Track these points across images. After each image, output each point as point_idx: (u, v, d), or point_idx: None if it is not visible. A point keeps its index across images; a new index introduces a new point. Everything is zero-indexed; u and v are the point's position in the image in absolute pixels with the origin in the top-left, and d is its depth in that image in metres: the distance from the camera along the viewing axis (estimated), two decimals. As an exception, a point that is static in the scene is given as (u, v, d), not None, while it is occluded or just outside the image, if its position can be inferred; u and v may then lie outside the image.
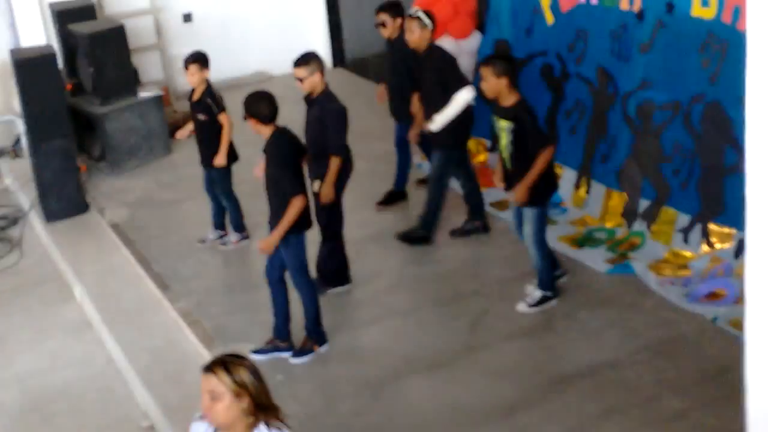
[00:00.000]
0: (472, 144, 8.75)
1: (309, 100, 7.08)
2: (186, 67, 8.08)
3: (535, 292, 6.95)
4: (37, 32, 11.25)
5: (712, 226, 7.09)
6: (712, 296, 6.74)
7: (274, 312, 6.67)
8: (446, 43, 8.84)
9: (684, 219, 7.30)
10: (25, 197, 10.15)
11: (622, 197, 7.87)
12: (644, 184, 7.67)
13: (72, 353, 7.51)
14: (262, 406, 3.71)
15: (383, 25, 8.48)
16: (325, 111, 6.97)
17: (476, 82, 7.77)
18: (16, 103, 10.46)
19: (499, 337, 6.68)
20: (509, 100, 6.70)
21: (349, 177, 7.23)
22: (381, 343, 6.77)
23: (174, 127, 10.46)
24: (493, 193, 8.46)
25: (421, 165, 9.29)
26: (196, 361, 6.48)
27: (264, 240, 6.51)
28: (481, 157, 9.26)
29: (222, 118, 8.04)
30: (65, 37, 10.81)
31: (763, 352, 3.12)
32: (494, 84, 6.67)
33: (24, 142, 10.66)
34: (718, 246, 7.03)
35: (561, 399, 5.93)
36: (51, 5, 11.22)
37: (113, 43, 10.34)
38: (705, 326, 6.48)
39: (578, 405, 5.85)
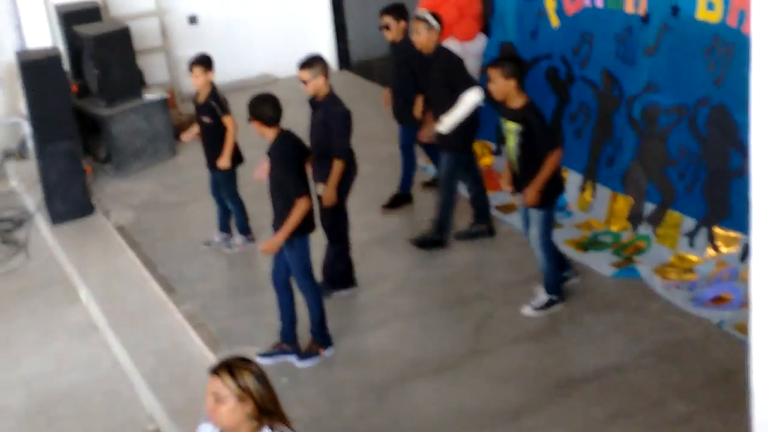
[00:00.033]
0: (477, 147, 8.75)
1: (314, 103, 7.08)
2: (190, 70, 8.09)
3: (540, 296, 6.94)
4: (43, 34, 11.27)
5: (718, 230, 7.08)
6: (718, 300, 6.73)
7: (280, 315, 6.68)
8: (451, 45, 8.82)
9: (689, 223, 7.29)
10: (31, 199, 10.17)
11: (628, 201, 7.86)
12: (649, 187, 7.66)
13: (78, 356, 7.52)
14: (266, 411, 3.71)
15: (387, 27, 8.48)
16: (329, 114, 6.98)
17: (481, 84, 7.78)
18: (21, 105, 10.48)
19: (505, 340, 6.68)
20: (517, 102, 6.69)
21: (353, 180, 7.24)
22: (386, 347, 6.77)
23: (179, 130, 10.47)
24: (498, 196, 8.47)
25: (426, 168, 9.30)
26: (201, 364, 6.49)
27: (267, 241, 6.51)
28: (487, 160, 9.26)
29: (226, 120, 8.05)
30: (71, 39, 10.83)
31: (769, 357, 3.12)
32: (503, 86, 6.65)
33: (30, 144, 10.69)
34: (723, 250, 7.02)
35: (566, 403, 5.92)
36: (56, 7, 11.24)
37: (119, 45, 10.36)
38: (711, 330, 6.47)
39: (584, 409, 5.84)
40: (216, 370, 3.73)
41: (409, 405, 6.09)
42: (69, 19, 10.91)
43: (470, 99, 7.63)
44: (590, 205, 8.20)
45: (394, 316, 7.13)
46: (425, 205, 8.82)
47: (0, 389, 7.19)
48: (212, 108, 8.05)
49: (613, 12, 7.90)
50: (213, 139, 8.11)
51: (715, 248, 7.08)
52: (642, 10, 7.60)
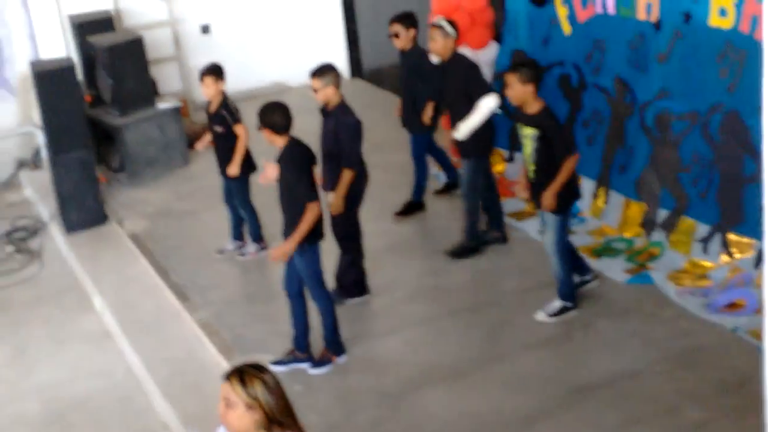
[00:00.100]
0: (489, 154, 8.74)
1: (325, 111, 7.10)
2: (201, 80, 8.11)
3: (554, 302, 6.93)
4: (57, 44, 11.35)
5: (732, 236, 7.06)
6: (732, 306, 6.71)
7: (293, 324, 6.68)
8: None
9: (703, 229, 7.27)
10: (45, 208, 10.22)
11: (641, 207, 7.85)
12: (663, 193, 7.65)
13: (91, 364, 7.54)
14: (275, 420, 3.72)
15: (396, 35, 8.49)
16: (340, 124, 6.98)
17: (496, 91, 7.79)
18: (35, 115, 10.53)
19: (518, 347, 6.67)
20: (534, 107, 6.66)
21: (364, 190, 7.24)
22: (399, 354, 6.77)
23: (192, 138, 10.51)
24: (511, 203, 8.47)
25: (439, 176, 9.30)
26: (215, 372, 6.51)
27: (277, 248, 6.50)
28: (499, 168, 9.25)
29: (238, 128, 8.07)
30: (84, 49, 10.88)
31: (784, 363, 3.11)
32: (520, 91, 6.61)
33: (44, 153, 10.74)
34: (737, 256, 7.00)
35: (580, 409, 5.91)
36: (70, 17, 11.29)
37: (132, 55, 10.41)
38: (725, 336, 6.45)
39: (598, 415, 5.83)
40: (228, 376, 3.76)
41: (422, 412, 6.09)
42: (82, 29, 10.96)
43: (487, 105, 7.62)
44: (603, 211, 8.19)
45: (407, 323, 7.13)
46: (438, 212, 8.83)
47: (15, 397, 7.22)
48: (223, 117, 8.07)
49: (626, 19, 7.89)
50: (225, 147, 8.13)
51: (729, 254, 7.06)
52: (654, 17, 7.60)
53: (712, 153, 7.19)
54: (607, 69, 8.18)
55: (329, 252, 6.99)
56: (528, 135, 6.67)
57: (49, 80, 9.35)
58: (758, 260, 6.79)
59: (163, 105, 10.67)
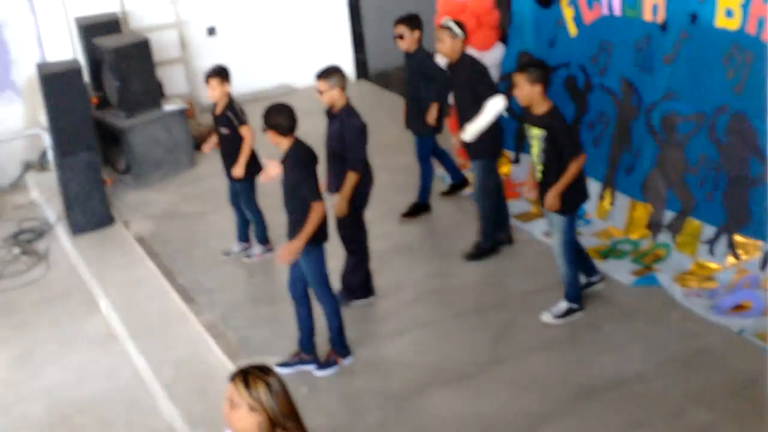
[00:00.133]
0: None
1: (330, 113, 7.10)
2: (207, 82, 8.11)
3: (561, 304, 6.93)
4: (63, 46, 11.37)
5: (738, 238, 7.05)
6: (738, 308, 6.70)
7: (298, 326, 6.68)
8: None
9: (709, 230, 7.26)
10: (52, 210, 10.23)
11: (647, 209, 7.84)
12: (669, 195, 7.64)
13: (98, 366, 7.55)
14: (278, 423, 3.72)
15: (401, 37, 8.48)
16: (345, 126, 6.98)
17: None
18: (42, 117, 10.55)
19: (524, 349, 6.67)
20: (542, 107, 6.65)
21: (369, 192, 7.23)
22: (405, 356, 6.77)
23: (198, 140, 10.52)
24: (517, 205, 8.46)
25: (444, 177, 9.30)
26: (221, 374, 6.51)
27: (285, 247, 6.49)
28: (505, 169, 9.24)
29: (243, 130, 8.08)
30: (91, 51, 10.90)
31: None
32: (528, 91, 6.60)
33: (50, 155, 10.75)
34: (744, 258, 6.99)
35: (586, 411, 5.91)
36: (77, 20, 11.31)
37: (138, 57, 10.42)
38: (731, 338, 6.44)
39: (604, 417, 5.82)
40: (233, 377, 3.77)
41: (428, 414, 6.09)
42: (89, 31, 10.98)
43: (494, 107, 7.62)
44: (609, 213, 8.18)
45: (412, 325, 7.13)
46: (444, 214, 8.83)
47: (21, 399, 7.23)
48: (229, 119, 8.08)
49: (632, 20, 7.88)
50: (231, 149, 8.14)
51: (735, 256, 7.05)
52: (660, 18, 7.58)
53: (718, 154, 7.18)
54: (613, 70, 8.17)
55: (335, 254, 6.99)
56: (536, 135, 6.66)
57: (56, 82, 9.36)
58: (765, 262, 6.78)
59: (169, 107, 10.69)
